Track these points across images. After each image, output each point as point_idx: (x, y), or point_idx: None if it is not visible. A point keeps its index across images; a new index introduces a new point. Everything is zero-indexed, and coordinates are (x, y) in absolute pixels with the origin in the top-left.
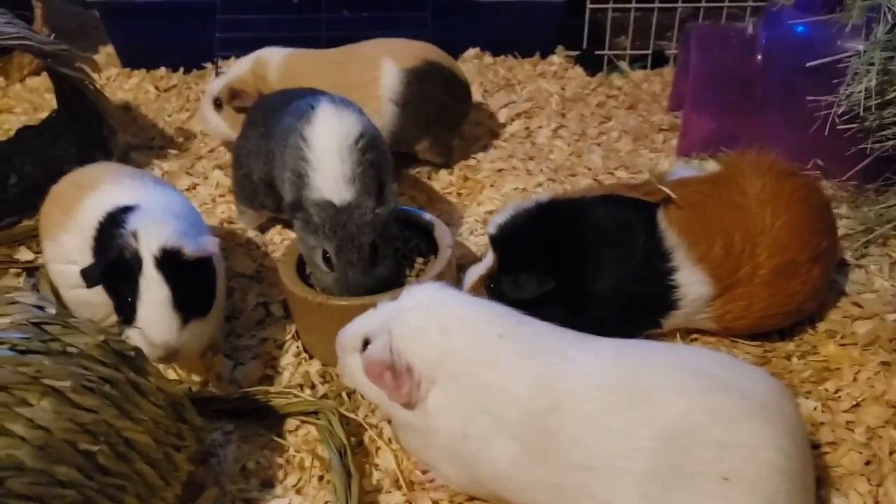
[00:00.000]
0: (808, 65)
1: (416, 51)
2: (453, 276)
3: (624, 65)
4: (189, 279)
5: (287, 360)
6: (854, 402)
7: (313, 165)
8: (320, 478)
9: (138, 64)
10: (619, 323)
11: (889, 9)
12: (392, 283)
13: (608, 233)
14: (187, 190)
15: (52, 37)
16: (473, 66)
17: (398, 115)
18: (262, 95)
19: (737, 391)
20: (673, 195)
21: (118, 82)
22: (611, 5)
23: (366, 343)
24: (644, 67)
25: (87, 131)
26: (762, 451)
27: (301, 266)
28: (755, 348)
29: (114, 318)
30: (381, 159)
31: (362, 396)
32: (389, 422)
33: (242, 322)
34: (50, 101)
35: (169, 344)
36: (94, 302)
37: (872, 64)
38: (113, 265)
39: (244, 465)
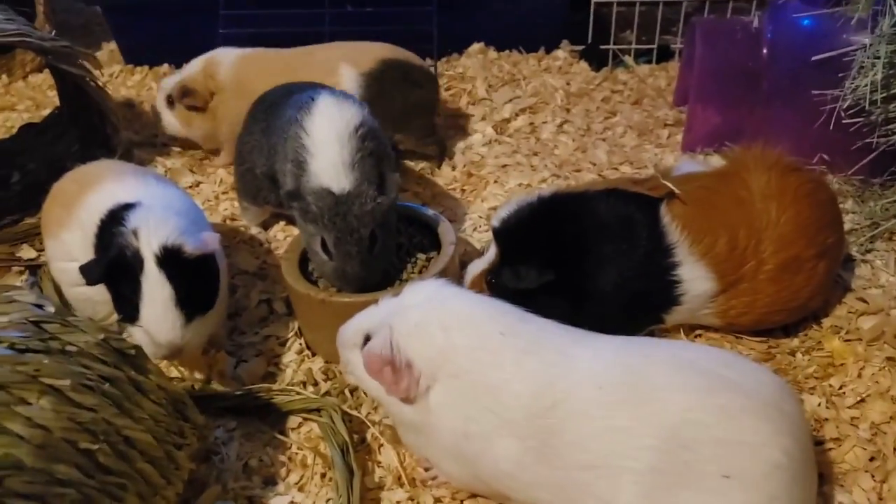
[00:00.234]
0: (813, 58)
1: (373, 52)
2: (456, 272)
3: (629, 59)
4: (191, 277)
5: (290, 357)
6: (859, 398)
7: (312, 153)
8: (322, 475)
9: (141, 61)
10: (621, 318)
11: (895, 2)
12: (391, 274)
13: (611, 227)
14: (190, 187)
15: (54, 33)
16: (478, 60)
17: None
18: (265, 91)
19: (738, 389)
20: (677, 190)
21: (121, 79)
22: (616, 0)
23: (367, 339)
24: (649, 62)
25: (89, 129)
26: (763, 449)
27: (304, 263)
28: (759, 344)
29: (116, 315)
30: (381, 150)
31: (365, 393)
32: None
33: (245, 319)
34: (52, 99)
35: (173, 342)
36: (96, 300)
37: (878, 57)
38: (114, 263)
39: (246, 462)
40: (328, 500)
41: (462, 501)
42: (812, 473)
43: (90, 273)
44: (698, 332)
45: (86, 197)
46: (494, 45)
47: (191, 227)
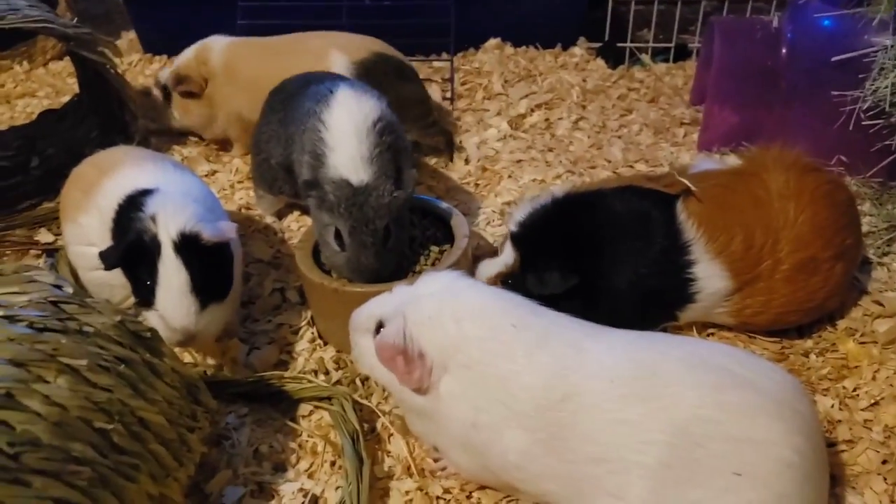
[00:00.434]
0: (833, 59)
1: (364, 44)
2: (469, 266)
3: (646, 57)
4: (207, 263)
5: (302, 345)
6: (872, 401)
7: (330, 146)
8: (332, 463)
9: (160, 50)
10: (635, 315)
11: None
12: (402, 268)
13: (627, 225)
14: (206, 176)
15: (76, 21)
16: (494, 56)
17: None
18: (283, 81)
19: (751, 387)
20: (693, 187)
21: (139, 67)
22: None
23: (379, 326)
24: (666, 61)
25: (108, 116)
26: (775, 447)
27: (317, 253)
28: (773, 344)
29: (132, 300)
30: (398, 144)
31: (375, 383)
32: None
33: (259, 307)
34: (72, 86)
35: (188, 328)
36: (113, 284)
37: None
38: (131, 248)
39: (257, 448)
40: (337, 488)
41: (471, 493)
42: (824, 474)
43: (108, 257)
44: (711, 330)
45: (104, 182)
46: (511, 40)
47: (208, 214)
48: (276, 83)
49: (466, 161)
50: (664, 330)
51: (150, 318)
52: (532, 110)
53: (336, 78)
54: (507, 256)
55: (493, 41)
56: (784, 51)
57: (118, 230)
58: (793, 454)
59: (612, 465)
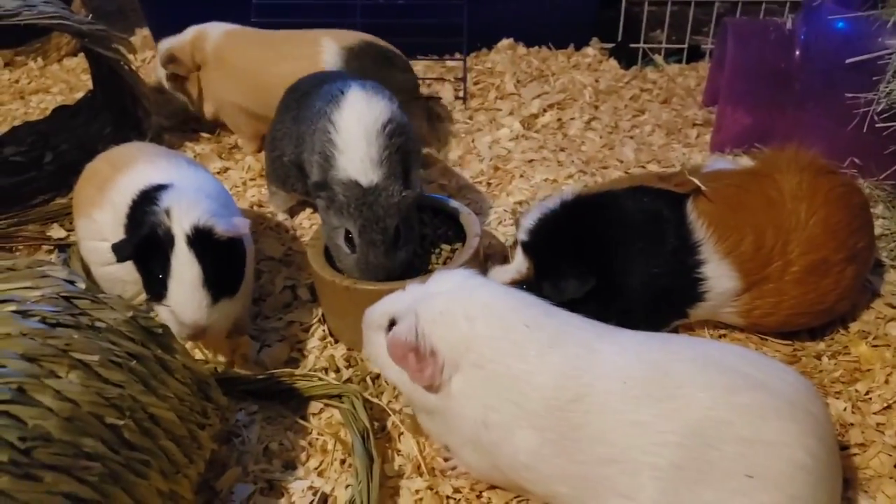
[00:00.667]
0: (847, 61)
1: (355, 34)
2: (480, 265)
3: (659, 58)
4: (219, 259)
5: (313, 343)
6: (885, 405)
7: (340, 149)
8: (342, 461)
9: None
10: (647, 314)
11: None
12: (414, 267)
13: (637, 226)
14: (218, 173)
15: (90, 17)
16: (507, 56)
17: None
18: (298, 79)
19: (764, 388)
20: (703, 187)
21: (153, 64)
22: None
23: (392, 323)
24: (679, 62)
25: (121, 112)
26: (787, 449)
27: (329, 250)
28: (785, 347)
29: (143, 296)
30: (408, 145)
31: (386, 381)
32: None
33: (270, 304)
34: (86, 82)
35: (198, 322)
36: (125, 279)
37: None
38: (145, 242)
39: (267, 445)
40: (347, 486)
41: (481, 492)
42: (837, 476)
43: (121, 250)
44: (723, 332)
45: (118, 178)
46: (524, 41)
47: (221, 210)
48: (265, 73)
49: (480, 160)
50: (676, 330)
51: (162, 312)
52: (544, 110)
53: (348, 78)
54: (520, 264)
55: (505, 41)
56: (798, 52)
57: (131, 225)
58: (806, 456)
59: (624, 466)
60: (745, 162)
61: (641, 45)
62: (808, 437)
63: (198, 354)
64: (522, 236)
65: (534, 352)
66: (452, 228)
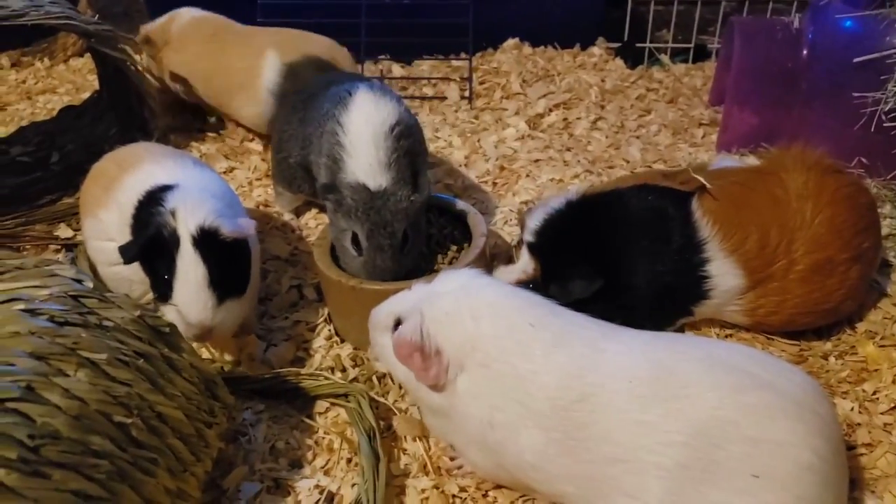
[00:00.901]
0: (854, 60)
1: (301, 45)
2: (486, 264)
3: (665, 58)
4: (225, 259)
5: (319, 342)
6: (892, 405)
7: (348, 151)
8: (349, 460)
9: None
10: (651, 312)
11: None
12: (420, 267)
13: (642, 224)
14: (225, 173)
15: (97, 18)
16: (512, 56)
17: (275, 104)
18: (306, 82)
19: (770, 388)
20: (708, 185)
21: None
22: None
23: (398, 323)
24: (685, 61)
25: (127, 113)
26: (794, 449)
27: (335, 250)
28: (791, 346)
29: (150, 296)
30: (416, 148)
31: (392, 380)
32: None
33: (276, 304)
34: (92, 83)
35: (204, 323)
36: (131, 279)
37: None
38: (151, 242)
39: (273, 444)
40: (353, 485)
41: (487, 492)
42: (843, 477)
43: (128, 251)
44: (729, 332)
45: (124, 177)
46: (529, 40)
47: (227, 210)
48: (209, 70)
49: (486, 160)
50: (682, 329)
51: (168, 313)
52: (550, 110)
53: (356, 80)
54: (525, 264)
55: (511, 41)
56: (805, 52)
57: (137, 226)
58: (812, 457)
59: (630, 465)
60: (752, 161)
61: (648, 44)
62: (815, 437)
63: (205, 354)
64: (528, 237)
65: (539, 351)
66: (458, 228)
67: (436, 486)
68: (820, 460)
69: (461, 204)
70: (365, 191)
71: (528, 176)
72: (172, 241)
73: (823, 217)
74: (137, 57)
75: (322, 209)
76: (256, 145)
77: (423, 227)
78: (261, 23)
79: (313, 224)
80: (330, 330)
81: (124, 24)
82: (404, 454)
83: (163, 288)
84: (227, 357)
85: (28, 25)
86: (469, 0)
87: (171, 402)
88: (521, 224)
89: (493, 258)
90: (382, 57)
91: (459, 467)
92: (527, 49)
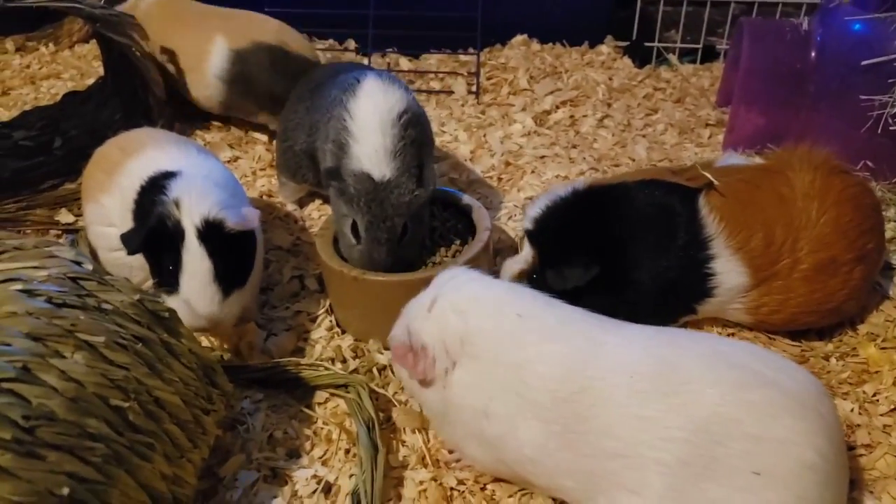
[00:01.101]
0: (863, 63)
1: (252, 31)
2: (490, 259)
3: (673, 58)
4: (230, 251)
5: (319, 333)
6: (892, 406)
7: (355, 136)
8: (347, 451)
9: None
10: (654, 307)
11: None
12: (418, 261)
13: (648, 219)
14: (229, 162)
15: (103, 2)
16: (520, 52)
17: (223, 90)
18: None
19: (774, 386)
20: (715, 181)
21: None
22: None
23: None
24: (693, 62)
25: (132, 99)
26: (796, 448)
27: (338, 241)
28: (793, 347)
29: (150, 282)
30: (423, 138)
31: (392, 372)
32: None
33: (277, 294)
34: (97, 69)
35: (212, 316)
36: (132, 265)
37: None
38: (154, 233)
39: (272, 433)
40: (351, 476)
41: (485, 485)
42: (844, 477)
43: (130, 241)
44: (731, 330)
45: (127, 163)
46: (538, 37)
47: (231, 199)
48: (165, 41)
49: (491, 155)
50: (684, 327)
51: (174, 304)
52: (557, 107)
53: (364, 68)
54: (527, 253)
55: (519, 37)
56: (813, 53)
57: (139, 211)
58: (815, 456)
59: (630, 460)
60: (758, 161)
61: (656, 44)
62: (818, 436)
63: (204, 342)
64: (527, 224)
65: (530, 341)
66: (462, 222)
67: (434, 479)
68: (822, 459)
69: (466, 198)
70: (368, 180)
71: (533, 172)
72: (177, 233)
73: (829, 217)
74: (143, 43)
75: (326, 200)
76: (261, 135)
77: (426, 219)
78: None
79: (316, 215)
80: (331, 321)
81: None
82: (403, 446)
83: (168, 279)
84: (227, 346)
85: (34, 10)
86: None
87: (168, 387)
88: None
89: (497, 253)
90: (390, 50)
91: (458, 460)
92: (535, 46)
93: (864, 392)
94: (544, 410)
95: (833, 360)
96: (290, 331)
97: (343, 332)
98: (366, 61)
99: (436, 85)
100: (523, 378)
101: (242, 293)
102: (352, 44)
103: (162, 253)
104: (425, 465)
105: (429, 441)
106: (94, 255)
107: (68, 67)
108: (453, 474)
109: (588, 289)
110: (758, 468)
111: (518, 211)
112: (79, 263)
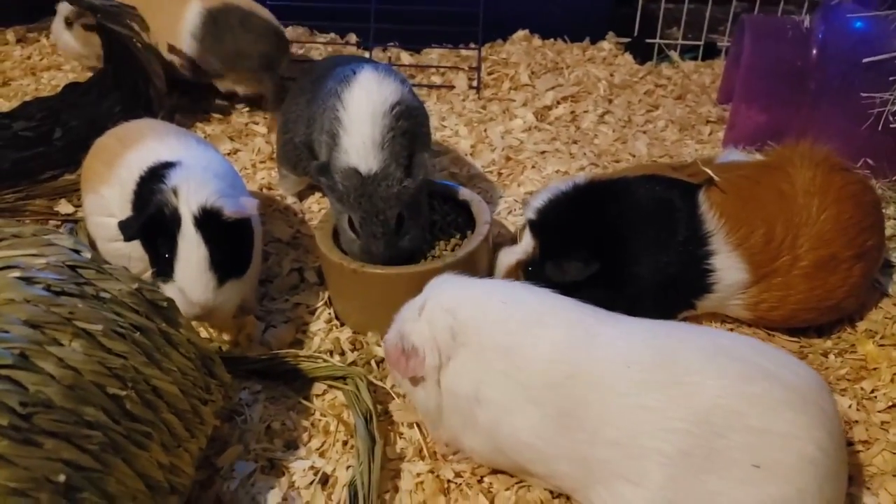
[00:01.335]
0: (864, 60)
1: None
2: (489, 252)
3: (674, 55)
4: (227, 240)
5: (318, 325)
6: (890, 403)
7: (346, 128)
8: (344, 443)
9: None
10: (653, 302)
11: None
12: (418, 254)
13: (648, 214)
14: (228, 154)
15: None
16: (522, 47)
17: (196, 48)
18: (313, 63)
19: (776, 379)
20: (716, 178)
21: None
22: None
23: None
24: (695, 59)
25: (132, 91)
26: (797, 441)
27: (337, 233)
28: (792, 343)
29: (149, 273)
30: (416, 130)
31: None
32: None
33: (276, 286)
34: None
35: (206, 304)
36: (131, 256)
37: None
38: (151, 220)
39: (269, 425)
40: (349, 467)
41: (482, 477)
42: (843, 471)
43: (128, 228)
44: (731, 326)
45: (127, 153)
46: (539, 32)
47: (229, 190)
48: (146, 12)
49: (492, 149)
50: (684, 321)
51: (168, 291)
52: (558, 102)
53: (363, 61)
54: (526, 244)
55: (521, 33)
56: (815, 51)
57: (139, 202)
58: (815, 450)
59: (630, 450)
60: (759, 158)
61: (657, 40)
62: (819, 430)
63: (203, 333)
64: (530, 214)
65: (517, 325)
66: (462, 216)
67: (431, 471)
68: (822, 454)
69: (466, 192)
70: (356, 176)
71: (533, 167)
72: (174, 220)
73: (829, 214)
74: (144, 35)
75: (325, 192)
76: (261, 128)
77: (423, 208)
78: (270, 6)
79: (316, 208)
80: (330, 313)
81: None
82: (400, 438)
83: (163, 266)
84: (226, 337)
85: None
86: None
87: (166, 376)
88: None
89: (497, 247)
90: (391, 44)
91: (455, 452)
92: (536, 41)
93: (862, 389)
94: (537, 394)
95: (832, 357)
96: (288, 323)
97: (342, 324)
98: (367, 55)
99: (437, 79)
100: (513, 362)
101: (240, 283)
102: (353, 38)
103: (159, 241)
104: (422, 458)
105: (426, 434)
106: (93, 246)
107: (69, 59)
108: (450, 466)
109: (587, 283)
110: (758, 461)
111: (518, 206)
112: (77, 252)
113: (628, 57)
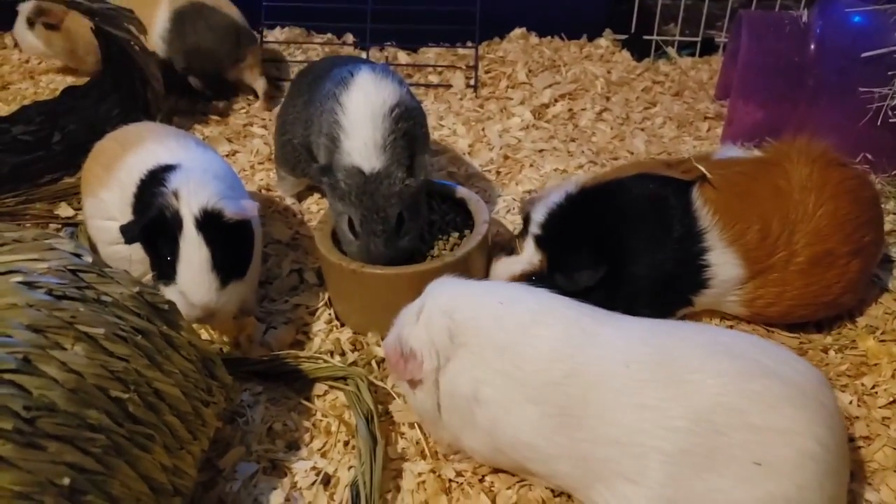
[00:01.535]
0: (863, 55)
1: None
2: (488, 251)
3: (672, 51)
4: (228, 241)
5: (319, 326)
6: (891, 399)
7: (346, 130)
8: (346, 443)
9: None
10: (650, 300)
11: None
12: (417, 254)
13: (642, 213)
14: (227, 156)
15: None
16: (519, 45)
17: (164, 49)
18: (310, 63)
19: (776, 376)
20: (708, 174)
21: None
22: None
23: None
24: (692, 55)
25: (130, 94)
26: (798, 438)
27: (337, 234)
28: (792, 339)
29: (150, 276)
30: (415, 131)
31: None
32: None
33: (276, 287)
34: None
35: (208, 306)
36: (132, 259)
37: None
38: (153, 223)
39: (271, 426)
40: (350, 468)
41: (483, 476)
42: (845, 467)
43: (129, 231)
44: (730, 323)
45: (126, 157)
46: (536, 30)
47: (229, 192)
48: None
49: (490, 148)
50: (682, 319)
51: (170, 294)
52: (556, 100)
53: (360, 62)
54: (531, 256)
55: (518, 31)
56: (812, 46)
57: (139, 205)
58: (816, 446)
59: (630, 448)
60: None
61: (655, 37)
62: (819, 426)
63: (203, 334)
64: (535, 230)
65: (514, 324)
66: (461, 215)
67: (432, 471)
68: (823, 450)
69: (463, 191)
70: (359, 174)
71: (531, 166)
72: (175, 223)
73: (826, 210)
74: (142, 37)
75: (324, 194)
76: (259, 129)
77: (422, 209)
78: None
79: (315, 209)
80: (330, 314)
81: None
82: (402, 438)
83: (165, 269)
84: (226, 339)
85: None
86: None
87: (168, 378)
88: (523, 214)
89: (495, 246)
90: (388, 44)
91: (456, 452)
92: (533, 39)
93: (862, 384)
94: (536, 393)
95: (832, 353)
96: (289, 324)
97: (342, 324)
98: (364, 55)
99: (434, 79)
100: (512, 361)
101: (240, 285)
102: (350, 38)
103: (161, 243)
104: (424, 457)
105: (427, 433)
106: (93, 249)
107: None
108: (452, 466)
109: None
110: (759, 458)
111: (516, 204)
112: (78, 256)
113: (625, 54)
